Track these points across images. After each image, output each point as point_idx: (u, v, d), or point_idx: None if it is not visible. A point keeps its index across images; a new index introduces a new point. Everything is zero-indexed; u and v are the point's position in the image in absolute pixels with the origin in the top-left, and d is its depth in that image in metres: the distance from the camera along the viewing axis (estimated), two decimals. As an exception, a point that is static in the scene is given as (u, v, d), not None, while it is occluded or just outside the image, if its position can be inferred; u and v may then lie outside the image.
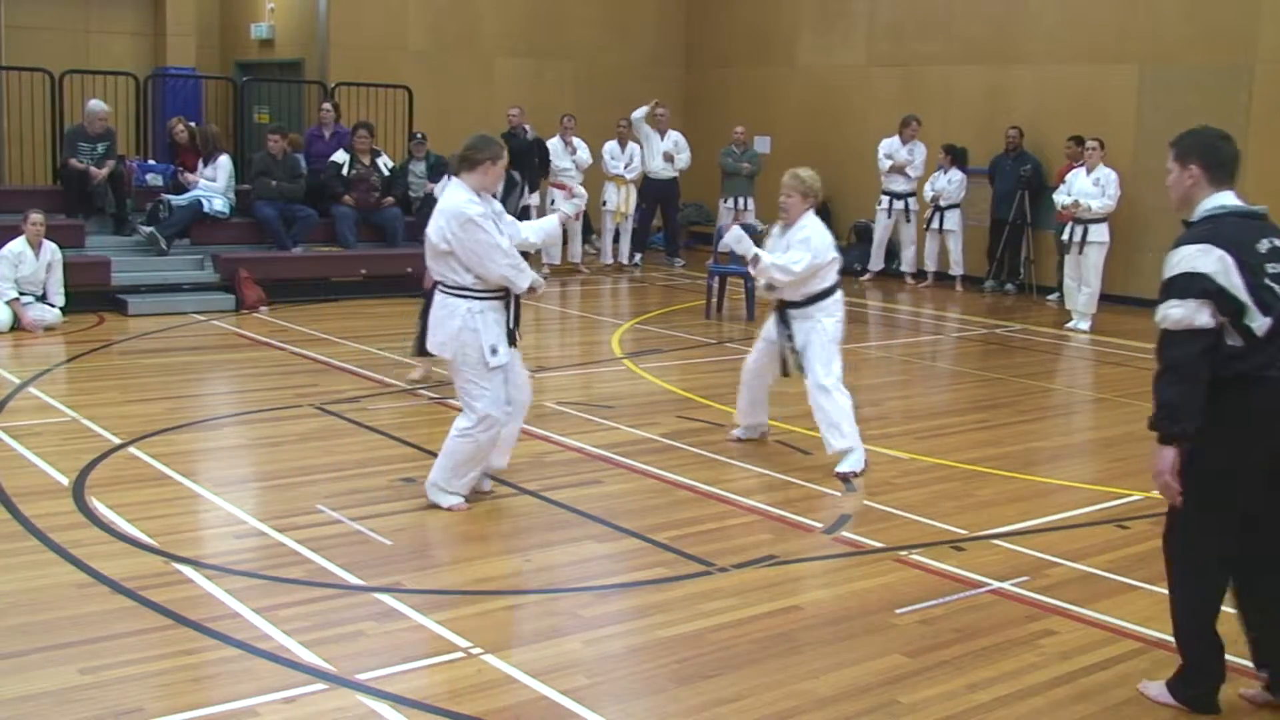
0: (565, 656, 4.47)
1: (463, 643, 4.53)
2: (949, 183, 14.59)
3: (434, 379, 8.83)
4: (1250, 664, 4.26)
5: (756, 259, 6.89)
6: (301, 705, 4.03)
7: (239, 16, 17.48)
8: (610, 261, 15.73)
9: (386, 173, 13.37)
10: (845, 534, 5.94)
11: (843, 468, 6.90)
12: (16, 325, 10.18)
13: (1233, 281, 3.80)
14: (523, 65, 16.99)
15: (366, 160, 13.21)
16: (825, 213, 15.11)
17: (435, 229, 5.88)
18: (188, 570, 5.15)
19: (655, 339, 11.11)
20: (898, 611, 4.98)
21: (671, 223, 16.49)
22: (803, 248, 6.84)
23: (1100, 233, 12.17)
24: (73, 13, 16.02)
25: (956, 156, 14.63)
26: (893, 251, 15.53)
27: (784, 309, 7.07)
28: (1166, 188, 4.14)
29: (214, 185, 12.49)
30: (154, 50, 16.35)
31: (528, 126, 14.52)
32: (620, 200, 15.54)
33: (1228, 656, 4.43)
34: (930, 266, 15.04)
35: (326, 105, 14.06)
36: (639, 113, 15.41)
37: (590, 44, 17.56)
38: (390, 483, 6.45)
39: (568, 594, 5.11)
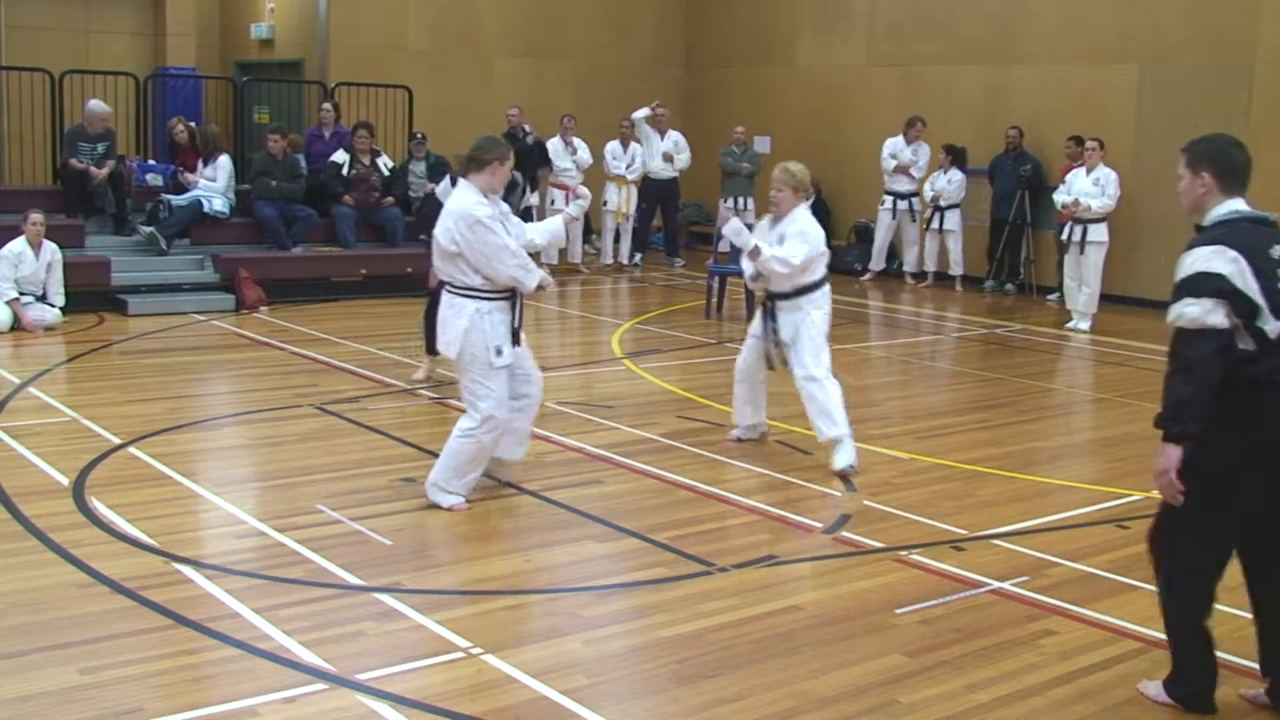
0: (565, 656, 4.47)
1: (463, 643, 4.53)
2: (949, 183, 14.59)
3: (435, 379, 8.83)
4: (1253, 664, 4.26)
5: (756, 251, 6.92)
6: (301, 705, 4.02)
7: (239, 16, 17.48)
8: (610, 261, 15.73)
9: (386, 173, 13.37)
10: (845, 534, 5.94)
11: (839, 464, 6.93)
12: (16, 325, 10.18)
13: (1248, 283, 3.80)
14: (523, 65, 16.99)
15: (366, 160, 13.21)
16: (825, 212, 15.22)
17: (443, 230, 5.90)
18: (188, 570, 5.15)
19: (655, 339, 11.11)
20: (898, 611, 4.98)
21: (671, 223, 16.49)
22: (799, 240, 6.91)
23: (1100, 233, 12.17)
24: (73, 13, 16.02)
25: (956, 156, 14.64)
26: (893, 251, 15.53)
27: (772, 302, 7.11)
28: (1178, 193, 4.13)
29: (214, 185, 12.50)
30: (154, 50, 16.35)
31: (527, 127, 14.52)
32: (621, 200, 15.53)
33: (1229, 656, 4.45)
34: (930, 266, 15.04)
35: (326, 105, 14.06)
36: (640, 113, 15.41)
37: (590, 44, 17.56)
38: (390, 483, 6.45)
39: (568, 594, 5.11)
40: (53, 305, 10.53)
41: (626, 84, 17.29)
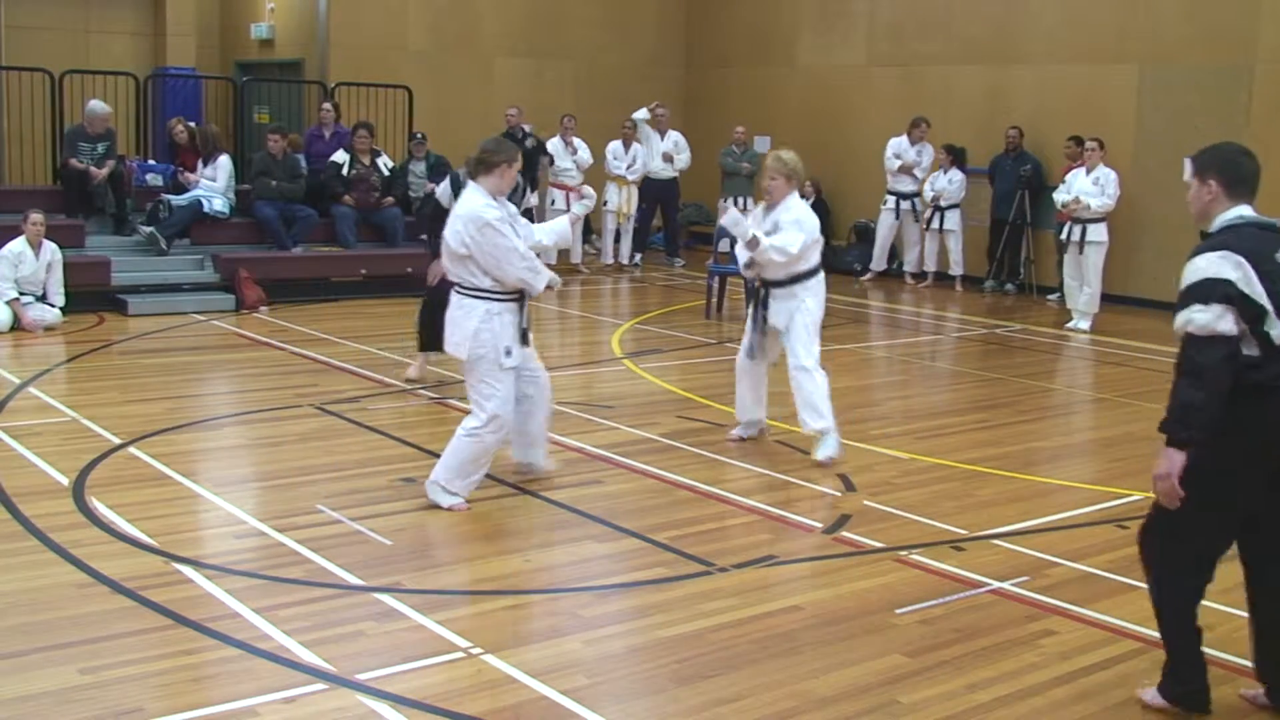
0: (565, 656, 4.47)
1: (463, 643, 4.53)
2: (949, 183, 14.59)
3: (430, 379, 8.83)
4: (1250, 664, 4.26)
5: (755, 241, 6.94)
6: (301, 705, 4.03)
7: (239, 16, 17.48)
8: (610, 261, 15.72)
9: (386, 173, 13.37)
10: (845, 534, 5.93)
11: (822, 455, 7.02)
12: (16, 325, 10.18)
13: (1254, 288, 3.79)
14: (523, 65, 16.99)
15: (366, 160, 13.21)
16: (825, 212, 15.22)
17: (453, 233, 5.93)
18: (188, 570, 5.15)
19: (655, 339, 11.11)
20: (898, 611, 4.98)
21: (671, 223, 16.49)
22: (795, 228, 6.96)
23: (1099, 232, 12.17)
24: (73, 13, 16.02)
25: (956, 156, 14.64)
26: (893, 251, 15.52)
27: (766, 290, 7.15)
28: (1187, 202, 4.13)
29: (214, 185, 12.49)
30: (154, 50, 16.35)
31: (527, 127, 14.52)
32: (622, 200, 15.53)
33: (1229, 656, 4.46)
34: (930, 266, 15.04)
35: (326, 105, 14.06)
36: (640, 114, 15.41)
37: (590, 44, 17.56)
38: (390, 483, 6.45)
39: (568, 594, 5.11)
40: (53, 305, 10.53)
41: (626, 84, 17.29)
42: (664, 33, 18.39)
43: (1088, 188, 12.14)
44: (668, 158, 15.65)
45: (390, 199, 13.37)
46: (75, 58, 14.82)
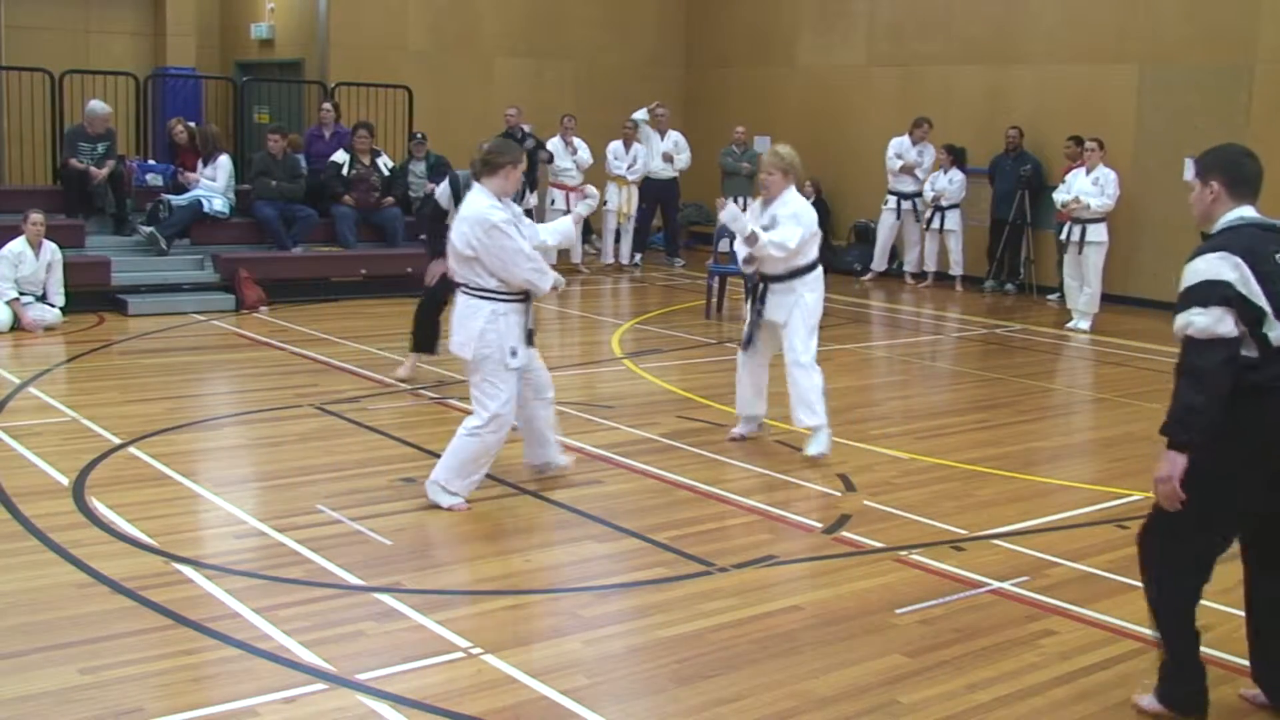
0: (565, 656, 4.47)
1: (463, 643, 4.53)
2: (950, 183, 14.59)
3: (425, 379, 8.83)
4: (1248, 663, 4.26)
5: (754, 236, 6.95)
6: (301, 705, 4.03)
7: (239, 16, 17.47)
8: (610, 261, 15.72)
9: (386, 173, 13.37)
10: (845, 534, 5.93)
11: (813, 450, 7.09)
12: (16, 325, 10.18)
13: (1251, 289, 3.78)
14: (523, 65, 16.99)
15: (366, 160, 13.21)
16: (825, 212, 15.22)
17: (459, 235, 5.96)
18: (188, 570, 5.15)
19: (655, 339, 11.11)
20: (898, 611, 4.98)
21: (671, 223, 16.49)
22: (793, 222, 6.98)
23: (1099, 233, 12.17)
24: (73, 13, 16.02)
25: (956, 156, 14.64)
26: (893, 252, 15.52)
27: (764, 284, 7.17)
28: (1190, 204, 4.13)
29: (214, 185, 12.49)
30: (154, 50, 16.35)
31: (526, 127, 14.51)
32: (623, 200, 15.53)
33: (1229, 656, 4.46)
34: (930, 266, 15.04)
35: (326, 105, 14.06)
36: (640, 114, 15.41)
37: (590, 44, 17.56)
38: (390, 483, 6.45)
39: (568, 594, 5.11)
40: (53, 305, 10.53)
41: (626, 84, 17.29)
42: (664, 33, 18.39)
43: (1087, 188, 12.14)
44: (668, 158, 15.65)
45: (390, 199, 13.37)
46: (75, 58, 14.82)
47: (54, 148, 12.90)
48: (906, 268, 15.34)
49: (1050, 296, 13.91)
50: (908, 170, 14.95)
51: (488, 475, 6.26)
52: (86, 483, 6.25)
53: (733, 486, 6.64)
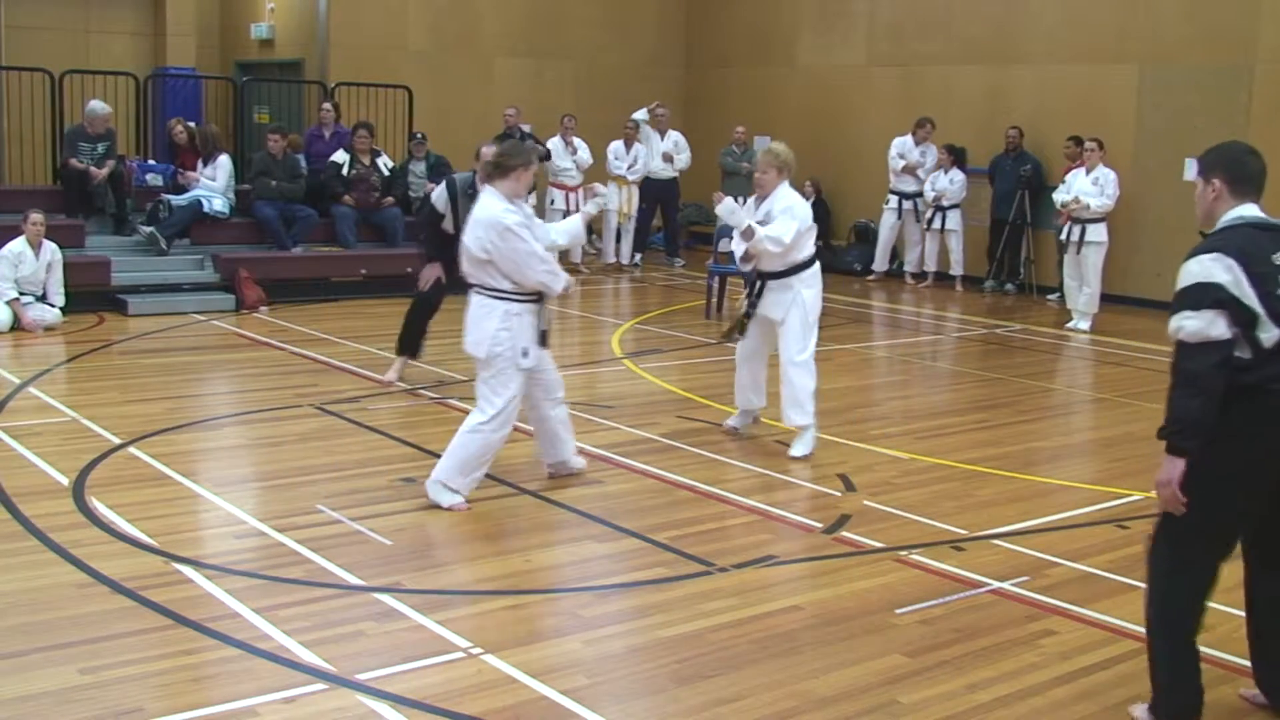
0: (565, 656, 4.48)
1: (463, 643, 4.53)
2: (950, 183, 14.59)
3: (420, 379, 8.83)
4: (1248, 663, 4.26)
5: (750, 231, 6.97)
6: (301, 705, 4.03)
7: (239, 16, 17.47)
8: (611, 261, 15.72)
9: (386, 173, 13.37)
10: (845, 534, 5.93)
11: (797, 451, 7.15)
12: (16, 325, 10.18)
13: (1244, 291, 3.77)
14: (523, 65, 16.99)
15: (366, 160, 13.21)
16: (825, 212, 15.24)
17: (473, 238, 5.99)
18: (188, 570, 5.15)
19: (655, 339, 11.11)
20: (898, 611, 4.98)
21: (671, 223, 16.49)
22: (788, 216, 7.02)
23: (1098, 233, 12.17)
24: (73, 13, 16.02)
25: (956, 156, 14.64)
26: (893, 252, 15.52)
27: (762, 282, 7.20)
28: (1194, 202, 4.12)
29: (214, 185, 12.49)
30: (154, 50, 16.35)
31: (525, 127, 14.50)
32: (623, 200, 15.53)
33: (1229, 656, 4.46)
34: (930, 266, 15.04)
35: (326, 105, 14.05)
36: (640, 114, 15.41)
37: (590, 44, 17.56)
38: (390, 483, 6.45)
39: (568, 594, 5.11)
40: (53, 305, 10.53)
41: (626, 84, 17.29)
42: (664, 33, 18.39)
43: (1087, 188, 12.14)
44: (668, 158, 15.65)
45: (390, 199, 13.37)
46: (75, 58, 14.82)
47: (54, 148, 12.89)
48: (907, 268, 15.34)
49: (1050, 296, 13.91)
50: (910, 170, 14.95)
51: (488, 475, 6.26)
52: (86, 483, 6.25)
53: (733, 486, 6.64)
